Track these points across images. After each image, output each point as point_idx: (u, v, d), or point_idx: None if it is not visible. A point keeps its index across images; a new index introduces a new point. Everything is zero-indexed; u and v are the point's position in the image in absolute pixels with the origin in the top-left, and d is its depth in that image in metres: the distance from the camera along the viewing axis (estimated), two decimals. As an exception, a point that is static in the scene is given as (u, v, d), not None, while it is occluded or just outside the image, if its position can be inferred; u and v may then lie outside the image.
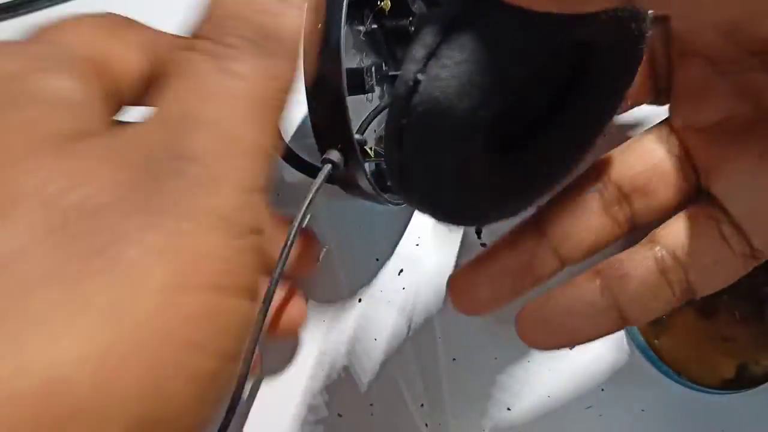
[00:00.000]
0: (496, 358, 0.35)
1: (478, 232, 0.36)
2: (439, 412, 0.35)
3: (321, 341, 0.35)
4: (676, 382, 0.34)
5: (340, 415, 0.35)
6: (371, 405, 0.35)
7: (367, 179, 0.27)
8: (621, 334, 0.35)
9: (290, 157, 0.31)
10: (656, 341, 0.34)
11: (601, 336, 0.27)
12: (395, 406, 0.35)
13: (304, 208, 0.24)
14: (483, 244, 0.36)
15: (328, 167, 0.25)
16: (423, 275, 0.36)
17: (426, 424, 0.35)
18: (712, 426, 0.34)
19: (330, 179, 0.26)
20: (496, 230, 0.31)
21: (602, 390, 0.35)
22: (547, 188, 0.27)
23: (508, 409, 0.35)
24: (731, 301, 0.34)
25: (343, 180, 0.29)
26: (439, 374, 0.35)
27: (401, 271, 0.36)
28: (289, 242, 0.23)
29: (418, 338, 0.35)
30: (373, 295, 0.36)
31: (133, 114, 0.20)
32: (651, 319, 0.27)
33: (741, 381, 0.33)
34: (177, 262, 0.14)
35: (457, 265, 0.36)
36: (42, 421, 0.12)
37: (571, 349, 0.35)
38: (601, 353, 0.35)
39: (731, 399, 0.34)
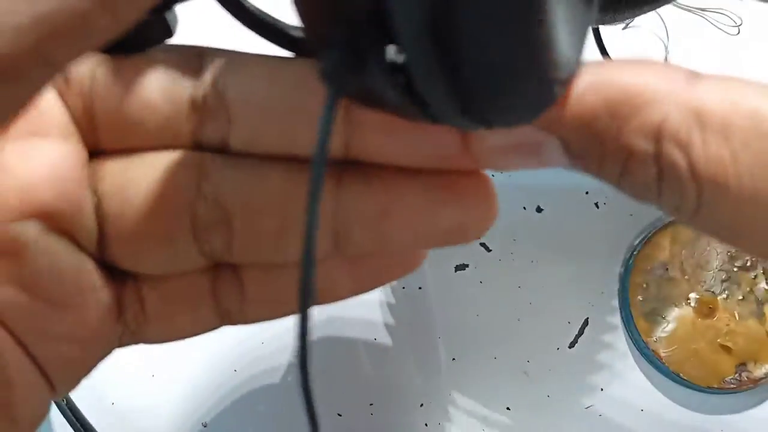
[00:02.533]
0: (495, 358, 0.35)
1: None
2: (439, 412, 0.35)
3: (320, 341, 0.35)
4: (676, 382, 0.34)
5: (339, 415, 0.35)
6: (371, 405, 0.35)
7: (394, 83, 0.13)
8: (621, 335, 0.35)
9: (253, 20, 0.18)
10: (655, 341, 0.34)
11: None
12: (395, 406, 0.35)
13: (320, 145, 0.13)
14: (482, 244, 0.36)
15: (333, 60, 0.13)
16: (423, 275, 0.36)
17: (426, 424, 0.35)
18: (711, 426, 0.34)
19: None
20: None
21: (602, 390, 0.35)
22: None
23: (508, 408, 0.35)
24: (730, 301, 0.34)
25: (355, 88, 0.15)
26: (439, 374, 0.35)
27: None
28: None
29: (418, 338, 0.35)
30: (374, 295, 0.36)
31: None
32: None
33: (740, 381, 0.33)
34: None
35: (459, 266, 0.36)
36: None
37: (570, 348, 0.35)
38: (601, 353, 0.35)
39: (730, 399, 0.34)
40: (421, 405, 0.35)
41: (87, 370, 0.20)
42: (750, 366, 0.33)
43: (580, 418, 0.35)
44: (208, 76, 0.18)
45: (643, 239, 0.35)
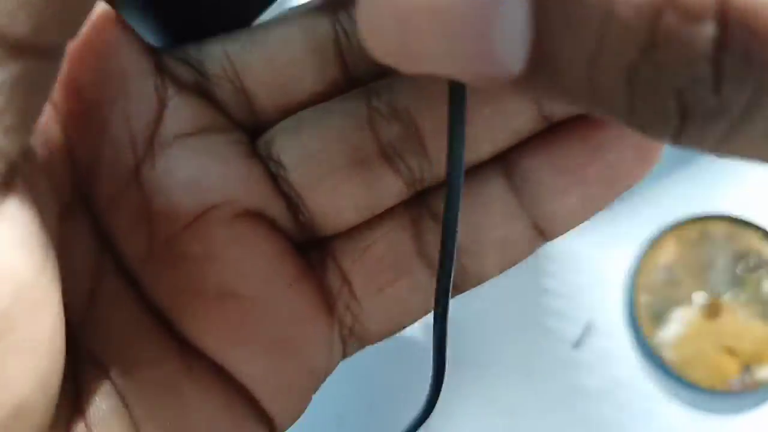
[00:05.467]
0: (496, 358, 0.35)
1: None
2: (440, 411, 0.35)
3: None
4: (680, 383, 0.34)
5: (340, 415, 0.35)
6: (371, 405, 0.35)
7: None
8: (625, 335, 0.35)
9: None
10: (660, 343, 0.34)
11: None
12: (395, 406, 0.35)
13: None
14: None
15: None
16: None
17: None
18: (715, 428, 0.34)
19: None
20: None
21: (606, 391, 0.35)
22: None
23: (508, 409, 0.35)
24: (735, 302, 0.34)
25: None
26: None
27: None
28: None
29: (418, 338, 0.35)
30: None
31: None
32: None
33: (745, 383, 0.33)
34: None
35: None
36: None
37: (574, 349, 0.35)
38: (604, 354, 0.35)
39: (735, 401, 0.34)
40: (422, 405, 0.35)
41: (308, 390, 0.18)
42: (755, 368, 0.33)
43: (581, 418, 0.34)
44: (346, 17, 0.17)
45: (648, 241, 0.35)
